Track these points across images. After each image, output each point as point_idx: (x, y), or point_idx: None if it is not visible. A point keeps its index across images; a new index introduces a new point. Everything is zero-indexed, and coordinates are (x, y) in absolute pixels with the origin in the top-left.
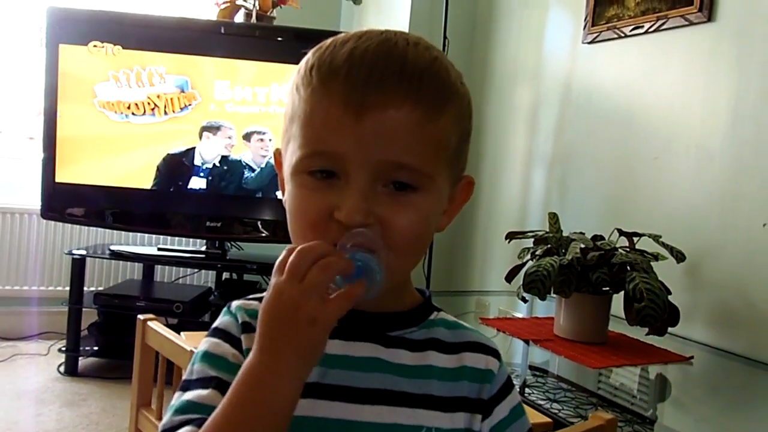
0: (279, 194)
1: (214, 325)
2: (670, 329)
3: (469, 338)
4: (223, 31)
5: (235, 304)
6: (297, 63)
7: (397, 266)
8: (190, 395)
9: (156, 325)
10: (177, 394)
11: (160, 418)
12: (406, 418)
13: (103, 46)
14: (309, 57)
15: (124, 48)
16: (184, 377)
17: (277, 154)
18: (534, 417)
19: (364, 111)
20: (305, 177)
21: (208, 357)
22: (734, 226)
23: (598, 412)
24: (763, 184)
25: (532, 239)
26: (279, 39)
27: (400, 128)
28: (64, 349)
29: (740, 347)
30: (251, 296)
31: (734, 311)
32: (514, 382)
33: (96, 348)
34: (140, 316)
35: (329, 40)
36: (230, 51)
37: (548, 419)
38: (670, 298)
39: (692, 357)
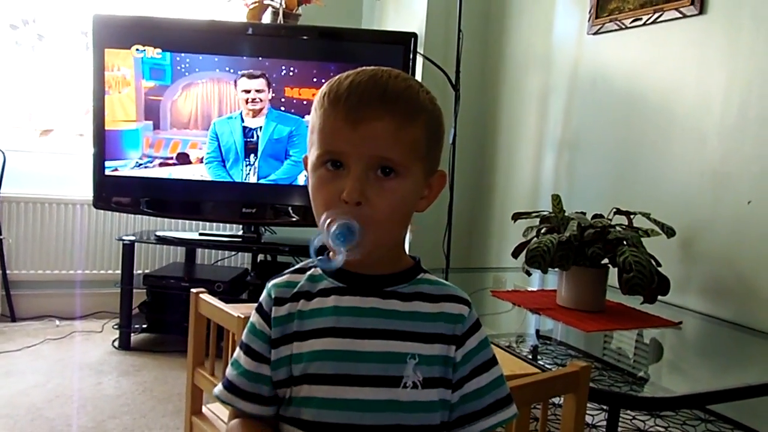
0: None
1: (260, 299)
2: (665, 298)
3: (447, 291)
4: (251, 31)
5: (271, 283)
6: (322, 60)
7: (382, 234)
8: (236, 354)
9: (207, 297)
10: (238, 348)
11: (213, 374)
12: (396, 348)
13: (144, 49)
14: (324, 87)
15: (163, 50)
16: (242, 335)
17: (305, 159)
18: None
19: (358, 123)
20: (321, 170)
21: (248, 326)
22: (723, 204)
23: (575, 361)
24: (748, 164)
25: (538, 219)
26: (304, 37)
27: (383, 133)
28: (117, 326)
29: (728, 314)
30: (288, 270)
31: (723, 281)
32: (526, 350)
33: (146, 325)
34: (193, 290)
35: (338, 75)
36: (258, 50)
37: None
38: (662, 269)
39: (681, 322)
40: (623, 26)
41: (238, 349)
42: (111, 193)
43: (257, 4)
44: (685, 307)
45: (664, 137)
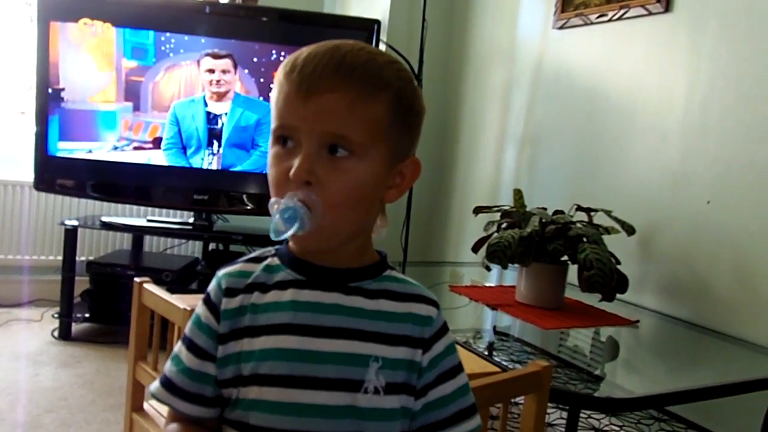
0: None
1: (207, 288)
2: (622, 297)
3: (414, 291)
4: (208, 10)
5: (222, 272)
6: (281, 42)
7: (334, 219)
8: (177, 348)
9: (151, 287)
10: (179, 342)
11: (156, 369)
12: (358, 349)
13: (93, 24)
14: (285, 59)
15: (113, 25)
16: (185, 329)
17: None
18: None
19: (309, 95)
20: (275, 148)
21: (193, 318)
22: (682, 203)
23: (536, 360)
24: (709, 164)
25: (499, 213)
26: (264, 19)
27: (335, 107)
28: (57, 315)
29: (685, 313)
30: (242, 258)
31: (680, 280)
32: (482, 346)
33: (88, 314)
34: (137, 279)
35: (302, 48)
36: (216, 30)
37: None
38: (621, 267)
39: (638, 321)
40: (589, 22)
41: (179, 343)
42: (55, 175)
43: None
44: (642, 306)
45: (626, 134)
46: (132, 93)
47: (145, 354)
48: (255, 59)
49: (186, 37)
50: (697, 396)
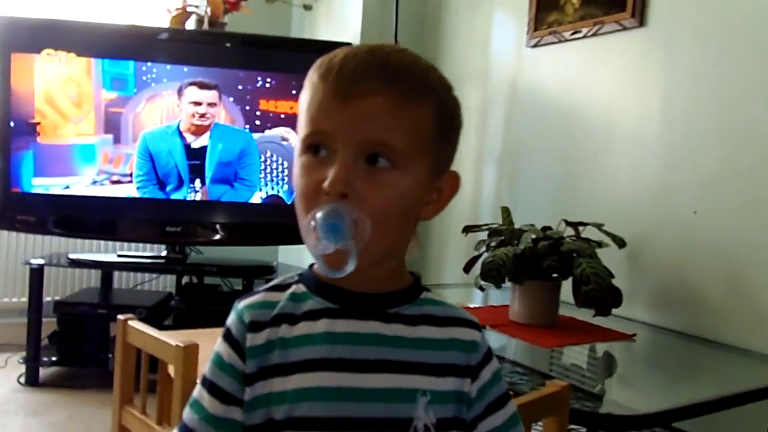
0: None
1: (227, 323)
2: (614, 311)
3: (455, 314)
4: (169, 37)
5: (242, 304)
6: (248, 68)
7: (372, 238)
8: (196, 393)
9: (137, 324)
10: (198, 385)
11: (144, 413)
12: (404, 383)
13: (56, 54)
14: (317, 62)
15: (78, 55)
16: (205, 370)
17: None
18: None
19: (349, 98)
20: (305, 157)
21: (213, 359)
22: (668, 214)
23: (554, 381)
24: (693, 175)
25: (487, 232)
26: (227, 45)
27: (377, 112)
28: (23, 360)
29: (678, 324)
30: (262, 288)
31: (671, 292)
32: None
33: (56, 357)
34: (120, 316)
35: (334, 51)
36: (181, 57)
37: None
38: (613, 281)
39: (635, 334)
40: (563, 39)
41: (199, 386)
42: (17, 211)
43: (181, 10)
44: (634, 319)
45: (606, 149)
46: (112, 125)
47: (131, 397)
48: (240, 87)
49: (168, 66)
50: (716, 407)
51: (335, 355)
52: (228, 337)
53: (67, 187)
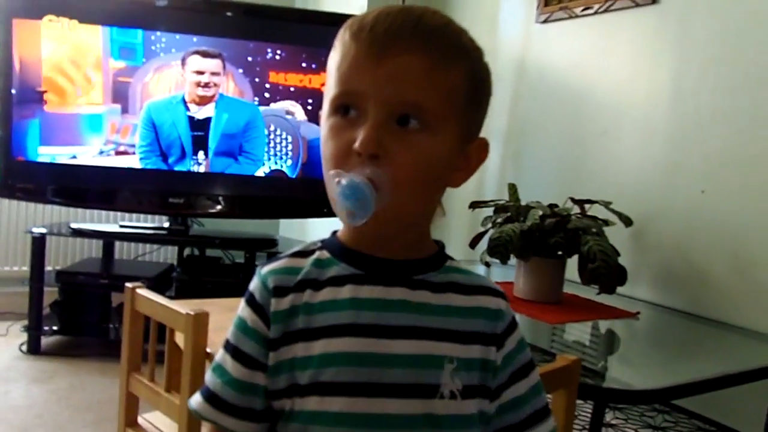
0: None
1: (249, 288)
2: (618, 289)
3: (481, 282)
4: (177, 6)
5: (265, 269)
6: (257, 39)
7: (403, 198)
8: (219, 357)
9: (146, 292)
10: (221, 350)
11: (152, 380)
12: (431, 349)
13: (59, 21)
14: (347, 21)
15: (80, 22)
16: (228, 334)
17: (321, 116)
18: None
19: (382, 57)
20: (333, 119)
21: (236, 323)
22: (676, 194)
23: (564, 355)
24: (701, 154)
25: (493, 208)
26: (229, 14)
27: (411, 72)
28: (25, 328)
29: (681, 303)
30: (284, 253)
31: (676, 271)
32: None
33: (58, 327)
34: (128, 284)
35: (367, 12)
36: (190, 27)
37: None
38: (618, 259)
39: (638, 312)
40: (573, 15)
41: (222, 351)
42: (19, 180)
43: None
44: (637, 298)
45: (615, 127)
46: (120, 95)
47: (139, 365)
48: (249, 58)
49: (177, 36)
50: (719, 384)
51: (362, 320)
52: (251, 302)
53: (74, 157)
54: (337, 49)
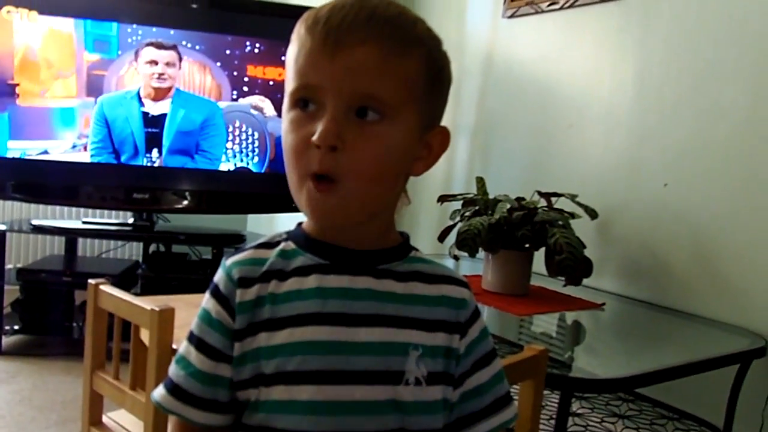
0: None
1: (214, 279)
2: (583, 281)
3: (444, 272)
4: None
5: (230, 261)
6: (235, 33)
7: (361, 190)
8: (183, 349)
9: (109, 288)
10: (184, 342)
11: (117, 378)
12: (396, 337)
13: (17, 11)
14: (303, 15)
15: (40, 13)
16: (191, 326)
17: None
18: None
19: (337, 50)
20: (293, 112)
21: (200, 315)
22: (640, 186)
23: (531, 345)
24: (664, 148)
25: (461, 202)
26: (193, 6)
27: (366, 63)
28: None
29: (645, 294)
30: (249, 245)
31: (640, 262)
32: None
33: (19, 326)
34: (91, 281)
35: (322, 4)
36: (168, 20)
37: None
38: (584, 251)
39: (604, 303)
40: (539, 10)
41: (185, 343)
42: None
43: None
44: (602, 289)
45: (580, 121)
46: (94, 87)
47: (103, 363)
48: (228, 51)
49: (154, 29)
50: (681, 372)
51: (327, 309)
52: (216, 293)
53: (46, 152)
54: (293, 43)
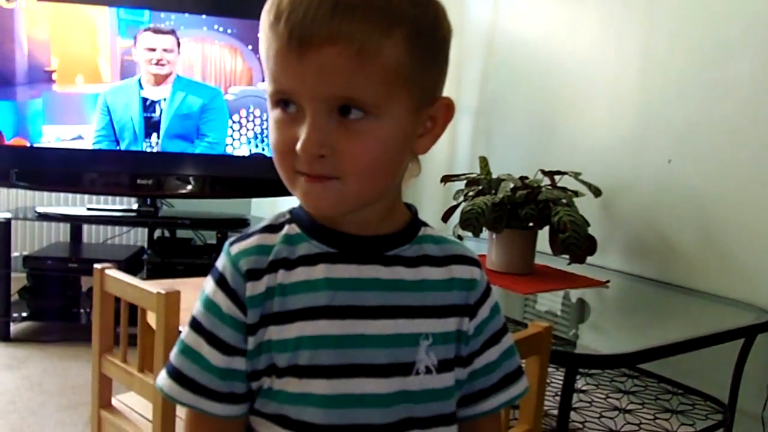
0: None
1: (217, 266)
2: (588, 259)
3: (454, 251)
4: None
5: (235, 249)
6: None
7: (360, 190)
8: (192, 341)
9: (115, 272)
10: (186, 327)
11: (125, 361)
12: (407, 328)
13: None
14: (266, 4)
15: (73, 2)
16: (193, 311)
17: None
18: None
19: (304, 51)
20: (276, 112)
21: (207, 306)
22: (644, 163)
23: (536, 322)
24: (668, 124)
25: (465, 181)
26: None
27: (338, 65)
28: None
29: (650, 271)
30: (254, 229)
31: (644, 240)
32: None
33: (27, 313)
34: (97, 265)
35: None
36: (181, 3)
37: None
38: (588, 230)
39: (608, 281)
40: None
41: (194, 335)
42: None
43: None
44: (607, 267)
45: (584, 99)
46: (127, 73)
47: (111, 346)
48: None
49: (186, 15)
50: (685, 347)
51: (337, 302)
52: (223, 285)
53: (80, 137)
54: (261, 37)
